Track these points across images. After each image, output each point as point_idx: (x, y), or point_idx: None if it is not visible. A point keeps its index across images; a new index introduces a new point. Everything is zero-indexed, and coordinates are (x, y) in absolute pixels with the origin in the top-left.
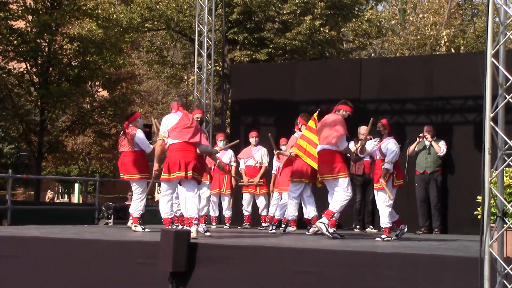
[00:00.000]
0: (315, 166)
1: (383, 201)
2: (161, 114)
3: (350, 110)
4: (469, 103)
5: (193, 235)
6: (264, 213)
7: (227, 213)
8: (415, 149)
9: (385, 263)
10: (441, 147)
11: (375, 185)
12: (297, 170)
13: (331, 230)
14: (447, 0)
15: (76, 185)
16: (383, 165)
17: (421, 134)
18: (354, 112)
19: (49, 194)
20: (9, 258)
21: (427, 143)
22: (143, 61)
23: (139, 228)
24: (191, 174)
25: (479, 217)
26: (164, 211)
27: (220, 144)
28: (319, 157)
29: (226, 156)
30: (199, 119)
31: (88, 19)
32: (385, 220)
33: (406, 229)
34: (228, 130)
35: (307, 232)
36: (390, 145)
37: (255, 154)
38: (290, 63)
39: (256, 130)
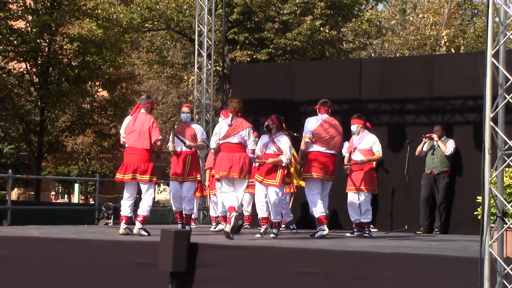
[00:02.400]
0: None
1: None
2: (161, 114)
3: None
4: (469, 103)
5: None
6: None
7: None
8: (424, 149)
9: (385, 263)
10: (447, 147)
11: (266, 180)
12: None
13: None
14: (447, 0)
15: (76, 185)
16: (281, 158)
17: (427, 135)
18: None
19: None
20: (9, 258)
21: (435, 143)
22: (143, 61)
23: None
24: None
25: (479, 217)
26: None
27: None
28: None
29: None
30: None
31: (88, 19)
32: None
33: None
34: None
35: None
36: (285, 139)
37: None
38: (290, 63)
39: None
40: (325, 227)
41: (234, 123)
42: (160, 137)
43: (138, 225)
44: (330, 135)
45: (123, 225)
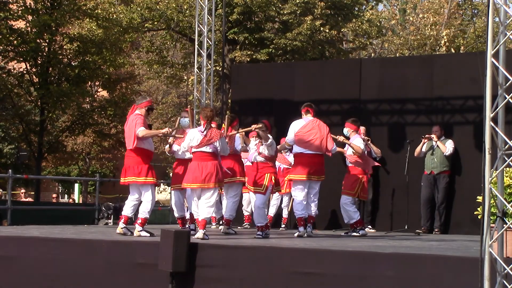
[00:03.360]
0: None
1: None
2: (161, 114)
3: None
4: (469, 103)
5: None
6: None
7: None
8: (423, 150)
9: (385, 263)
10: (446, 147)
11: (254, 187)
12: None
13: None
14: (447, 0)
15: (76, 185)
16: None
17: (426, 135)
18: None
19: None
20: (9, 258)
21: (434, 143)
22: (143, 61)
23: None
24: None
25: (479, 217)
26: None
27: None
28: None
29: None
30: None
31: (88, 19)
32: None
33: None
34: None
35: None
36: (274, 145)
37: None
38: (290, 63)
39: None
40: (302, 228)
41: (208, 133)
42: (141, 128)
43: (138, 227)
44: (312, 137)
45: (121, 225)
